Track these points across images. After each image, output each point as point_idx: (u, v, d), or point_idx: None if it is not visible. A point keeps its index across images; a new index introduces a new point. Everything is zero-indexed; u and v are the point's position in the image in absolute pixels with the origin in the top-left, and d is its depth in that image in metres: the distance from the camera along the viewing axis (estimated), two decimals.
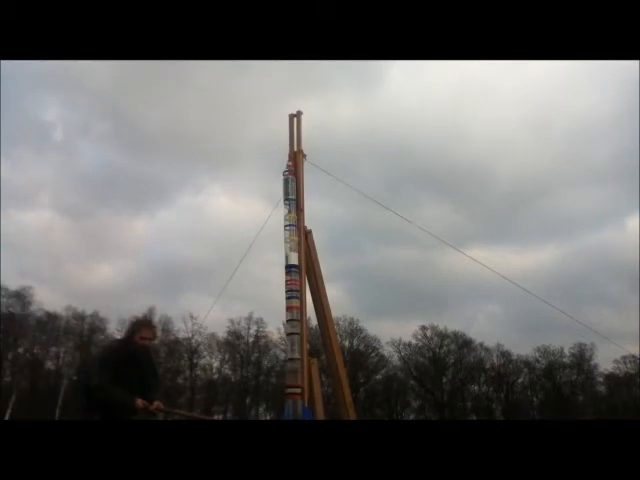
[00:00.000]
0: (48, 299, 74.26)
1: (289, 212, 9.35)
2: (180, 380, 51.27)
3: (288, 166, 9.88)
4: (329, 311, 9.73)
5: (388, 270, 68.61)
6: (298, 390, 8.15)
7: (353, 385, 44.77)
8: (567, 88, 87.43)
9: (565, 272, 72.75)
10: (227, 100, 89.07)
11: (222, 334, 52.84)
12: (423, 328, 56.73)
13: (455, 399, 56.32)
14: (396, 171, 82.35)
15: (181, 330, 50.80)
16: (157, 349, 44.77)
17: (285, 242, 9.13)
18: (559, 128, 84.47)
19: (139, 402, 4.66)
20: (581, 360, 56.22)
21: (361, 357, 54.58)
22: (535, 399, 58.32)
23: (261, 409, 54.13)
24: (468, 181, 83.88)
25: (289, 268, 8.89)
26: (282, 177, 9.71)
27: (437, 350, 56.85)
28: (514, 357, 56.97)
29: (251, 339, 53.91)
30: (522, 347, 60.21)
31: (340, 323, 49.84)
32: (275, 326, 50.67)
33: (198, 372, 52.90)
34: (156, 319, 46.79)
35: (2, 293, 44.15)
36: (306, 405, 8.18)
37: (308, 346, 9.23)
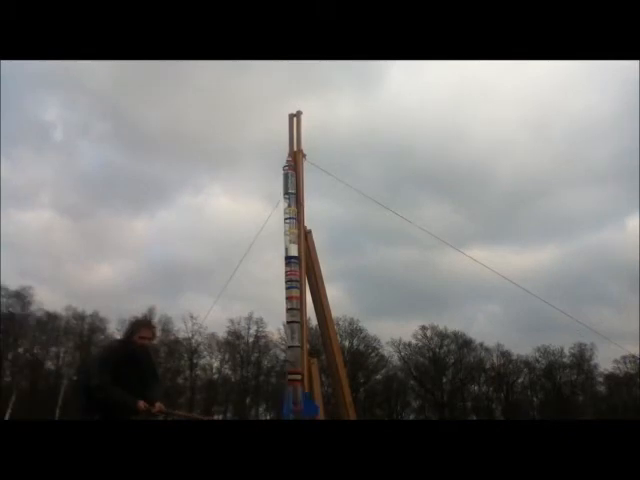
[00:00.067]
0: (48, 299, 74.41)
1: (289, 206, 9.47)
2: (180, 380, 51.25)
3: (288, 161, 9.95)
4: (329, 311, 9.74)
5: (388, 270, 68.69)
6: (298, 377, 8.31)
7: (353, 385, 44.76)
8: (567, 88, 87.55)
9: (565, 272, 72.85)
10: (227, 100, 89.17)
11: (222, 334, 52.92)
12: (423, 328, 56.79)
13: (455, 399, 56.31)
14: (396, 171, 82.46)
15: (181, 330, 50.86)
16: (157, 349, 44.78)
17: (285, 235, 9.26)
18: (559, 128, 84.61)
19: (141, 404, 4.65)
20: (581, 360, 56.22)
21: (361, 357, 54.57)
22: (535, 399, 58.31)
23: (261, 409, 54.15)
24: (468, 181, 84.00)
25: (289, 259, 9.06)
26: (282, 172, 9.81)
27: (437, 350, 56.84)
28: (514, 357, 57.04)
29: (251, 339, 53.93)
30: (522, 347, 60.32)
31: (340, 323, 49.86)
32: (275, 326, 50.71)
33: (198, 372, 52.91)
34: (156, 319, 46.85)
35: (2, 293, 44.20)
36: (306, 391, 8.30)
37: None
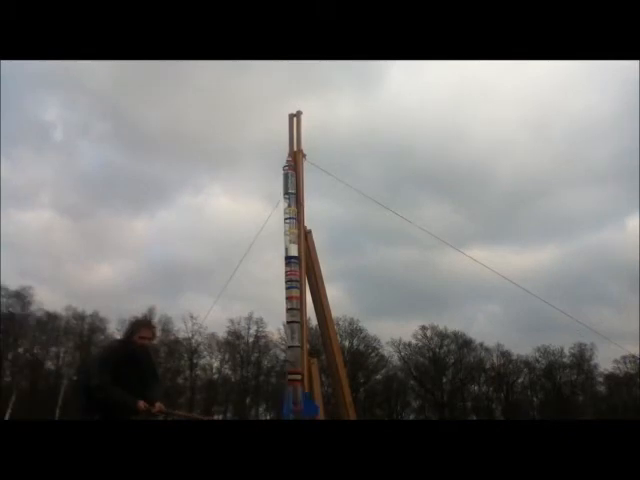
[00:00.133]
0: (48, 299, 74.41)
1: (289, 206, 9.49)
2: (180, 380, 51.25)
3: (288, 161, 9.96)
4: (329, 311, 9.74)
5: (388, 270, 68.68)
6: (298, 377, 8.34)
7: (353, 385, 44.76)
8: (567, 88, 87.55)
9: (565, 272, 72.84)
10: (227, 100, 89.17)
11: (222, 334, 52.92)
12: (423, 328, 56.78)
13: (455, 399, 56.31)
14: (396, 171, 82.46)
15: (181, 330, 50.85)
16: (157, 349, 44.78)
17: (285, 234, 9.28)
18: (559, 128, 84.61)
19: (141, 404, 4.65)
20: (581, 360, 56.21)
21: (361, 357, 54.56)
22: (535, 399, 58.30)
23: (261, 409, 54.14)
24: (468, 181, 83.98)
25: (289, 259, 9.08)
26: (282, 172, 9.83)
27: (437, 350, 56.84)
28: (514, 357, 57.03)
29: (251, 339, 53.93)
30: (522, 347, 60.31)
31: (340, 323, 49.86)
32: (275, 326, 50.71)
33: (198, 372, 52.91)
34: (156, 319, 46.85)
35: (2, 293, 44.21)
36: (306, 391, 8.33)
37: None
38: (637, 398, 50.41)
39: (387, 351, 55.86)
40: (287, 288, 8.90)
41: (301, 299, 8.89)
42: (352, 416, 9.12)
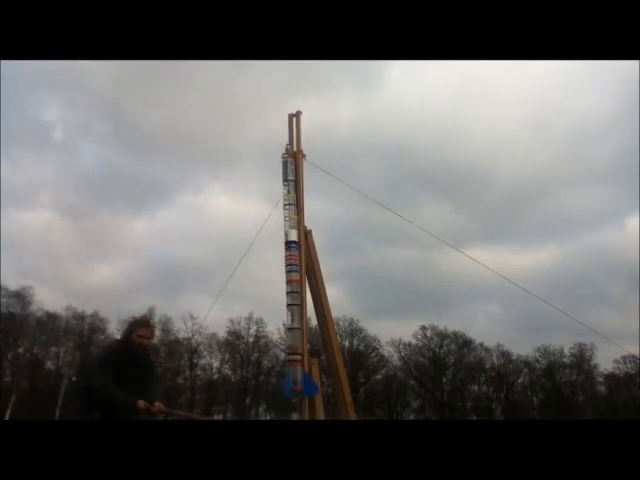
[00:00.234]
0: (48, 299, 74.39)
1: (288, 192, 9.63)
2: (180, 380, 51.25)
3: (287, 149, 10.04)
4: (329, 311, 9.74)
5: (388, 270, 68.71)
6: (298, 357, 8.48)
7: (353, 385, 44.75)
8: (567, 88, 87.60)
9: (565, 272, 72.87)
10: (227, 100, 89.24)
11: (222, 334, 52.92)
12: (423, 328, 56.80)
13: (455, 399, 56.31)
14: (396, 171, 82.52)
15: (181, 330, 50.87)
16: (157, 349, 44.77)
17: (285, 220, 9.43)
18: (559, 128, 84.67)
19: (140, 403, 4.66)
20: (581, 360, 56.22)
21: (361, 357, 54.57)
22: (535, 399, 58.31)
23: (261, 409, 54.12)
24: (468, 181, 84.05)
25: (289, 244, 9.23)
26: (281, 160, 9.98)
27: (437, 350, 56.85)
28: (514, 357, 57.06)
29: (251, 339, 53.95)
30: (522, 347, 60.25)
31: (340, 323, 49.88)
32: (275, 326, 50.73)
33: (198, 372, 52.91)
34: (156, 319, 46.87)
35: (2, 293, 44.21)
36: (306, 371, 8.47)
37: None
38: (637, 398, 50.41)
39: (387, 351, 55.97)
40: (287, 272, 9.07)
41: (301, 282, 9.04)
42: (352, 416, 9.12)
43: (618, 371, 55.48)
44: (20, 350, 47.24)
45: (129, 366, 4.88)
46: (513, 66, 78.88)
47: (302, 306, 8.91)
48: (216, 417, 46.26)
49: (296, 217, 9.49)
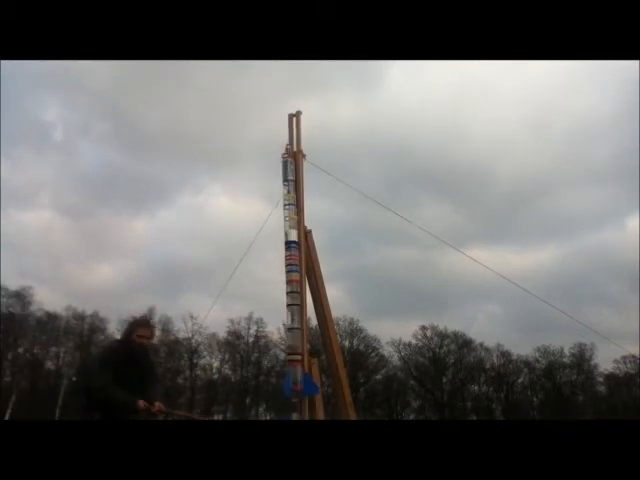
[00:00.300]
0: (48, 299, 74.39)
1: (288, 192, 9.65)
2: (180, 380, 51.25)
3: (287, 149, 10.06)
4: (329, 311, 9.74)
5: (388, 270, 68.71)
6: (298, 357, 8.51)
7: (353, 385, 44.75)
8: (567, 88, 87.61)
9: (565, 272, 72.87)
10: (227, 100, 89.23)
11: (222, 334, 52.92)
12: (423, 328, 56.80)
13: (455, 399, 56.32)
14: (396, 171, 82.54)
15: (181, 330, 50.87)
16: (157, 349, 44.77)
17: (285, 220, 9.46)
18: (559, 128, 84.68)
19: (140, 403, 4.66)
20: (581, 360, 56.22)
21: (361, 357, 54.57)
22: (535, 399, 58.31)
23: (261, 409, 54.12)
24: (468, 181, 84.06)
25: (289, 244, 9.26)
26: (281, 160, 10.01)
27: (437, 350, 56.84)
28: (514, 357, 57.05)
29: (251, 339, 53.95)
30: (522, 347, 60.25)
31: (340, 323, 49.87)
32: (275, 326, 50.73)
33: (198, 372, 52.91)
34: (156, 319, 46.87)
35: (2, 293, 44.21)
36: (306, 371, 8.50)
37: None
38: (637, 398, 50.41)
39: (387, 351, 55.96)
40: (287, 272, 9.10)
41: (301, 282, 9.06)
42: (352, 416, 9.12)
43: (618, 371, 55.54)
44: (20, 350, 47.25)
45: (129, 366, 4.88)
46: (513, 66, 79.02)
47: (302, 306, 8.93)
48: (216, 417, 46.25)
49: (296, 217, 9.51)
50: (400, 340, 55.98)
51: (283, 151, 10.07)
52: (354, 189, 11.30)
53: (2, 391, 39.50)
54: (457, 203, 78.91)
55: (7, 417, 35.48)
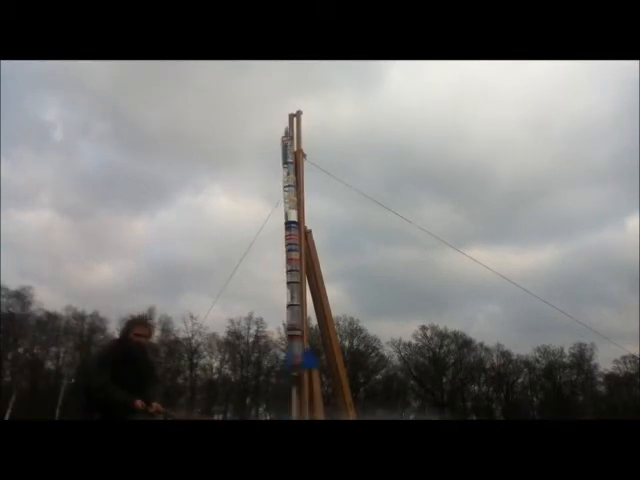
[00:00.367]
0: (48, 299, 74.24)
1: (288, 174, 9.78)
2: (180, 380, 51.22)
3: (286, 132, 10.14)
4: (329, 311, 9.75)
5: (388, 270, 68.69)
6: (298, 332, 8.68)
7: (353, 385, 44.73)
8: (567, 88, 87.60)
9: (565, 272, 72.85)
10: (227, 100, 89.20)
11: (222, 334, 52.89)
12: (423, 328, 56.76)
13: (455, 399, 56.28)
14: (396, 171, 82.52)
15: (181, 330, 50.82)
16: (157, 349, 44.76)
17: (284, 202, 9.65)
18: (559, 128, 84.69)
19: (138, 403, 4.65)
20: (581, 360, 56.18)
21: (361, 357, 54.54)
22: (535, 399, 58.26)
23: (261, 409, 54.10)
24: (468, 181, 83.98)
25: (289, 224, 9.52)
26: (281, 143, 10.16)
27: (437, 350, 56.81)
28: (514, 357, 56.98)
29: (251, 339, 53.89)
30: (522, 347, 60.15)
31: (340, 323, 49.84)
32: (275, 326, 50.69)
33: (198, 372, 52.87)
34: (156, 319, 46.85)
35: (2, 293, 44.20)
36: (306, 346, 8.66)
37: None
38: (637, 398, 50.38)
39: (387, 351, 55.90)
40: (287, 251, 9.31)
41: (300, 261, 9.23)
42: (352, 416, 9.13)
43: (618, 371, 55.49)
44: (20, 350, 47.22)
45: (127, 365, 4.87)
46: (513, 66, 79.07)
47: (302, 284, 9.11)
48: (216, 417, 46.24)
49: (295, 199, 9.67)
50: (400, 340, 56.02)
51: (283, 134, 10.21)
52: (354, 189, 11.34)
53: (2, 391, 39.48)
54: (457, 203, 78.98)
55: (7, 417, 35.47)
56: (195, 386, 51.90)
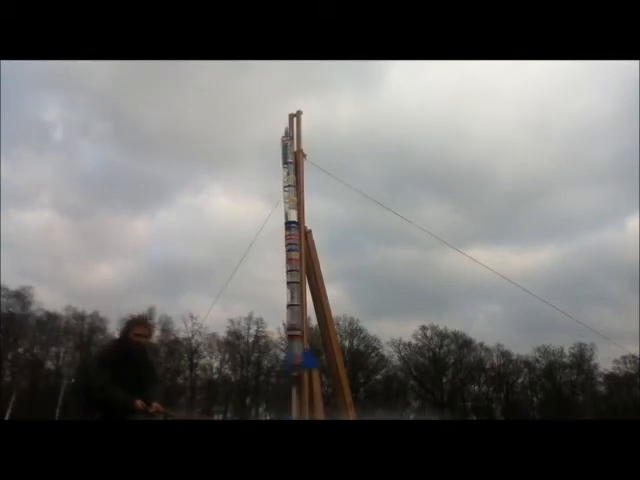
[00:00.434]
0: (48, 299, 74.21)
1: (288, 174, 9.80)
2: (180, 380, 51.22)
3: (286, 132, 10.16)
4: (329, 311, 9.76)
5: (388, 270, 68.68)
6: (298, 332, 8.70)
7: (353, 385, 44.71)
8: (567, 88, 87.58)
9: (565, 272, 72.85)
10: (227, 100, 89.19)
11: (222, 334, 52.89)
12: (423, 328, 56.76)
13: (455, 399, 56.27)
14: (396, 171, 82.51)
15: (181, 330, 50.81)
16: (157, 349, 44.76)
17: (284, 202, 9.69)
18: (559, 128, 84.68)
19: (138, 403, 4.65)
20: (581, 360, 56.18)
21: (361, 357, 54.54)
22: (535, 399, 58.25)
23: (261, 409, 54.10)
24: (468, 181, 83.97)
25: (289, 224, 9.55)
26: (281, 143, 10.21)
27: (437, 350, 56.81)
28: (514, 357, 56.98)
29: (251, 339, 53.89)
30: (522, 347, 60.15)
31: (340, 323, 49.83)
32: (275, 326, 50.69)
33: (198, 372, 52.87)
34: (156, 319, 46.84)
35: (2, 293, 44.20)
36: (306, 346, 8.69)
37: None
38: (637, 398, 50.37)
39: (387, 351, 55.89)
40: (287, 251, 9.34)
41: (300, 262, 9.26)
42: (352, 416, 9.13)
43: (618, 371, 55.48)
44: (20, 350, 47.21)
45: (127, 365, 4.86)
46: (513, 66, 79.06)
47: (302, 284, 9.14)
48: (216, 417, 46.24)
49: (295, 199, 9.70)
50: (400, 340, 56.01)
51: (282, 134, 10.24)
52: (354, 189, 11.34)
53: (2, 391, 39.48)
54: (457, 203, 78.98)
55: (7, 417, 35.47)
56: (195, 386, 51.90)
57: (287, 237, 9.49)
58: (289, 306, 9.17)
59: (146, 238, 77.32)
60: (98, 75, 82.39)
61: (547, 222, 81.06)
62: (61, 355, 49.24)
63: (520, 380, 57.90)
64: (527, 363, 57.09)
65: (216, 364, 53.92)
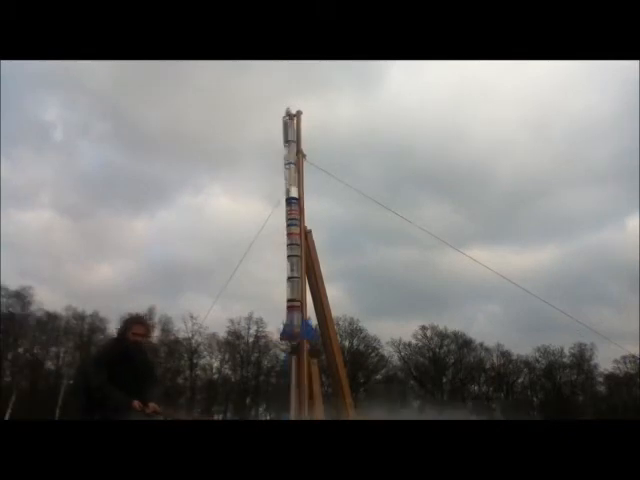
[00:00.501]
0: (48, 299, 74.04)
1: (289, 152, 10.03)
2: (180, 380, 51.22)
3: (287, 111, 10.30)
4: (329, 311, 9.77)
5: (388, 270, 68.63)
6: (297, 303, 8.90)
7: (353, 385, 44.70)
8: (567, 88, 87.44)
9: (565, 272, 72.79)
10: (227, 100, 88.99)
11: (222, 334, 52.89)
12: (423, 328, 56.76)
13: (455, 399, 56.27)
14: (396, 171, 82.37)
15: (181, 330, 50.81)
16: (157, 349, 44.77)
17: (285, 179, 9.92)
18: (559, 128, 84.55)
19: (135, 404, 4.62)
20: (581, 360, 56.18)
21: (361, 357, 54.55)
22: (535, 399, 58.25)
23: (261, 409, 54.11)
24: (468, 181, 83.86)
25: (289, 200, 9.81)
26: (282, 121, 10.48)
27: (437, 350, 56.82)
28: (514, 357, 56.99)
29: (251, 339, 53.89)
30: (522, 347, 60.04)
31: (340, 323, 49.82)
32: (275, 326, 50.64)
33: (198, 372, 52.87)
34: (156, 319, 46.87)
35: (2, 293, 44.21)
36: (305, 318, 8.92)
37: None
38: (637, 398, 50.37)
39: (387, 351, 55.90)
40: (288, 225, 9.64)
41: (300, 236, 9.50)
42: (352, 416, 9.14)
43: (618, 371, 55.46)
44: (20, 350, 47.21)
45: (124, 365, 4.83)
46: (513, 66, 78.82)
47: (301, 257, 9.33)
48: (216, 417, 46.24)
49: (296, 175, 9.92)
50: (400, 340, 56.01)
51: (283, 114, 10.42)
52: (354, 189, 11.36)
53: (2, 391, 39.48)
54: (457, 203, 78.89)
55: (7, 417, 35.46)
56: (195, 386, 51.89)
57: (288, 212, 9.83)
58: (289, 279, 9.44)
59: (146, 238, 77.32)
60: (98, 75, 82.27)
61: (547, 222, 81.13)
62: (61, 355, 49.26)
63: (520, 380, 57.93)
64: (527, 363, 57.10)
65: (216, 364, 53.98)
